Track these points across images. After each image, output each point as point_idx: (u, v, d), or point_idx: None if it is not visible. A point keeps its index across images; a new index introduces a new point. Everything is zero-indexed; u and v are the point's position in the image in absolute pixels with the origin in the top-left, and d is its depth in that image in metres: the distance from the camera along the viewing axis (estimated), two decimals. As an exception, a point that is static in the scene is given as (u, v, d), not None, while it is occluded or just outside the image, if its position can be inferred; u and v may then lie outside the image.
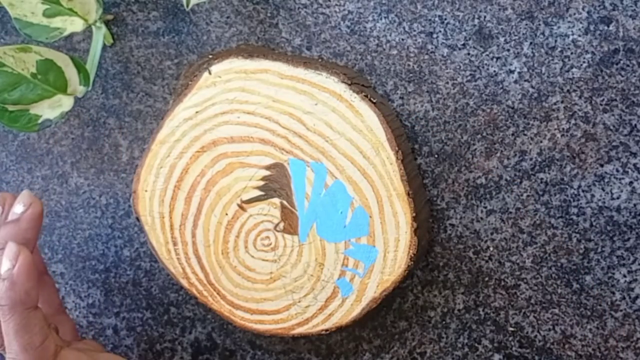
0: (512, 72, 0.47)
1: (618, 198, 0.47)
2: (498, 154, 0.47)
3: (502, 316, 0.48)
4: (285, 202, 0.47)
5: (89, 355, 0.43)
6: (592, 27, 0.47)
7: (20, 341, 0.40)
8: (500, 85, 0.47)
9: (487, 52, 0.47)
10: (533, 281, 0.48)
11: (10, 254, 0.40)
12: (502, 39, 0.47)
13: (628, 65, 0.46)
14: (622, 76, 0.46)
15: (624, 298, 0.47)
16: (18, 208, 0.43)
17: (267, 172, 0.47)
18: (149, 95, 0.50)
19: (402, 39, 0.48)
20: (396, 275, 0.46)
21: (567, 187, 0.47)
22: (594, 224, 0.47)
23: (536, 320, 0.48)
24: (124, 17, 0.50)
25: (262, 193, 0.47)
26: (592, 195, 0.47)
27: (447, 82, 0.48)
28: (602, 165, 0.47)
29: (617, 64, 0.46)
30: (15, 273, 0.40)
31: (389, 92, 0.48)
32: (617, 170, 0.47)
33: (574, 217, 0.47)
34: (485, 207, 0.48)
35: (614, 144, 0.47)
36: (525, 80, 0.47)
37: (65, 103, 0.47)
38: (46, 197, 0.52)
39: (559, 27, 0.47)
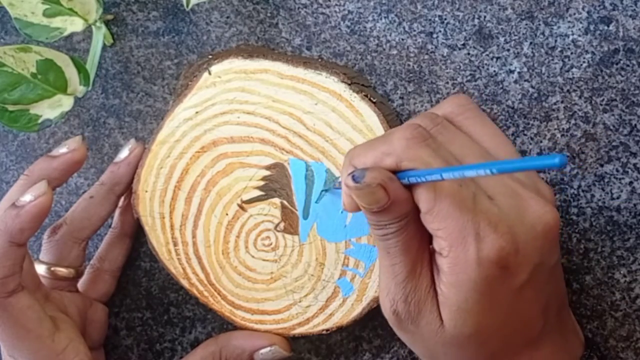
0: (512, 72, 0.47)
1: (618, 198, 0.47)
2: (498, 154, 0.47)
3: (502, 316, 0.48)
4: (285, 202, 0.47)
5: (42, 308, 0.43)
6: (592, 27, 0.47)
7: None
8: (500, 85, 0.47)
9: (487, 52, 0.47)
10: (533, 281, 0.48)
11: (36, 189, 0.41)
12: (502, 39, 0.47)
13: (628, 65, 0.46)
14: (622, 76, 0.46)
15: (624, 298, 0.47)
16: (63, 148, 0.45)
17: (267, 172, 0.47)
18: (149, 95, 0.50)
19: (402, 39, 0.48)
20: (396, 275, 0.46)
21: (567, 187, 0.47)
22: (594, 224, 0.47)
23: (536, 320, 0.48)
24: (124, 17, 0.50)
25: (262, 193, 0.47)
26: (592, 195, 0.47)
27: (447, 82, 0.48)
28: (602, 165, 0.47)
29: (617, 64, 0.47)
30: (26, 208, 0.41)
31: (389, 92, 0.48)
32: (617, 170, 0.47)
33: (574, 217, 0.47)
34: (486, 207, 0.48)
35: (614, 144, 0.47)
36: (525, 80, 0.47)
37: (65, 103, 0.47)
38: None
39: (559, 27, 0.47)
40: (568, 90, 0.47)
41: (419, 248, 0.37)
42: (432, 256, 0.38)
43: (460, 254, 0.35)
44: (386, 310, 0.39)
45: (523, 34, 0.47)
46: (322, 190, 0.46)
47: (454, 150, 0.37)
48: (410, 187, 0.36)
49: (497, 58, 0.47)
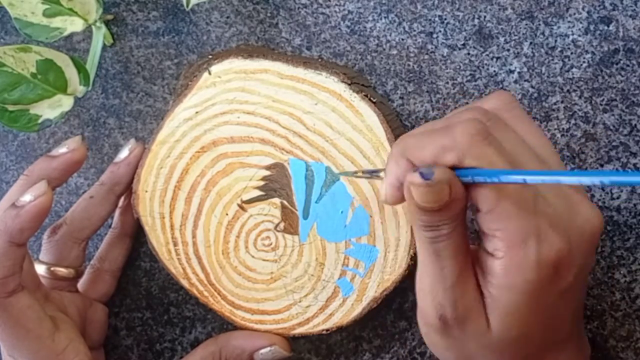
0: (512, 72, 0.47)
1: (618, 198, 0.47)
2: (498, 154, 0.47)
3: (502, 316, 0.48)
4: (285, 202, 0.47)
5: (42, 308, 0.42)
6: (592, 27, 0.47)
7: None
8: (500, 85, 0.47)
9: (487, 52, 0.47)
10: (533, 281, 0.48)
11: (35, 189, 0.41)
12: (502, 39, 0.47)
13: (628, 65, 0.46)
14: (622, 76, 0.46)
15: (624, 298, 0.47)
16: (62, 148, 0.45)
17: (267, 172, 0.47)
18: (149, 95, 0.50)
19: (402, 39, 0.48)
20: (397, 274, 0.46)
21: (567, 187, 0.47)
22: (594, 223, 0.47)
23: (536, 320, 0.48)
24: (124, 17, 0.50)
25: (262, 193, 0.47)
26: (592, 195, 0.47)
27: (447, 82, 0.48)
28: (602, 165, 0.47)
29: (617, 64, 0.47)
30: (26, 208, 0.41)
31: (389, 92, 0.48)
32: (617, 170, 0.47)
33: (574, 217, 0.47)
34: (486, 207, 0.48)
35: (614, 144, 0.47)
36: (525, 80, 0.47)
37: (65, 103, 0.47)
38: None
39: (559, 27, 0.47)
40: (568, 90, 0.47)
41: (467, 250, 0.36)
42: (474, 258, 0.37)
43: (518, 255, 0.34)
44: (430, 317, 0.37)
45: (523, 34, 0.47)
46: (339, 173, 0.45)
47: (508, 148, 0.36)
48: (465, 185, 0.35)
49: (497, 58, 0.47)
